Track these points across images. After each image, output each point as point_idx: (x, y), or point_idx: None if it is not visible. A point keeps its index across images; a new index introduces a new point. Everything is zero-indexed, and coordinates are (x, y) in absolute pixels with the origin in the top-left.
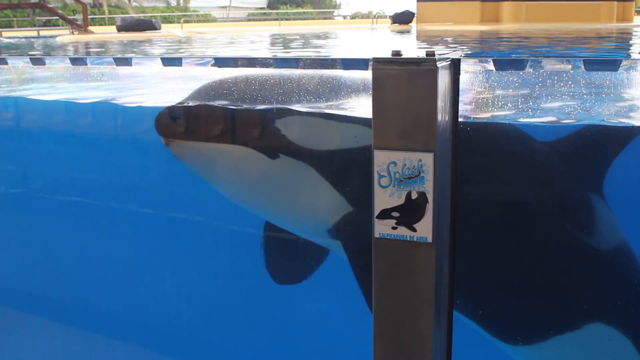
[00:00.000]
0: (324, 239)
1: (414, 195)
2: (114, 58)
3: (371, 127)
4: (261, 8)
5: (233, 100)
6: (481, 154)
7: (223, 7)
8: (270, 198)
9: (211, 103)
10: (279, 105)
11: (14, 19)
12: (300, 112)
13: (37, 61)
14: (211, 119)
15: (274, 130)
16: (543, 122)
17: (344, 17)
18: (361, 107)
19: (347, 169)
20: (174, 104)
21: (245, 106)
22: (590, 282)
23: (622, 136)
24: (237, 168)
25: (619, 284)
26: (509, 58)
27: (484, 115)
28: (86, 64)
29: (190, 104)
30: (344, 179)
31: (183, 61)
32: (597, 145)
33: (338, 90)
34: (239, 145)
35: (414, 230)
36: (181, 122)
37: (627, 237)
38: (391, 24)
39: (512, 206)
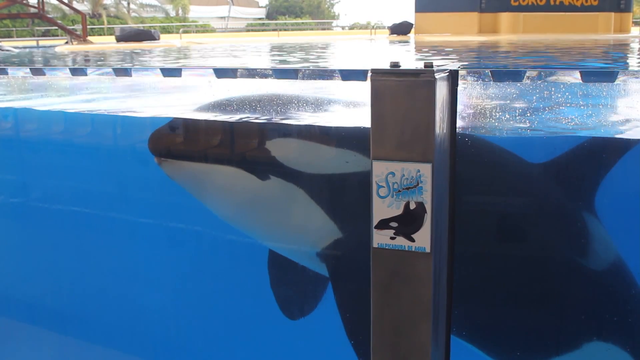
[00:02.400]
0: (312, 262)
1: (412, 206)
2: (113, 69)
3: (363, 154)
4: (260, 18)
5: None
6: (477, 165)
7: (222, 17)
8: (261, 220)
9: (203, 123)
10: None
11: (13, 29)
12: (292, 134)
13: (37, 71)
14: (204, 139)
15: (265, 152)
16: (537, 135)
17: (343, 27)
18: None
19: (337, 193)
20: (167, 123)
21: (238, 127)
22: (588, 300)
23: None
24: (227, 188)
25: (615, 299)
26: (506, 69)
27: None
28: (86, 74)
29: (182, 124)
30: (334, 202)
31: (183, 72)
32: (593, 156)
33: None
34: (230, 166)
35: (413, 240)
36: (174, 141)
37: (620, 252)
38: (389, 34)
39: (508, 220)
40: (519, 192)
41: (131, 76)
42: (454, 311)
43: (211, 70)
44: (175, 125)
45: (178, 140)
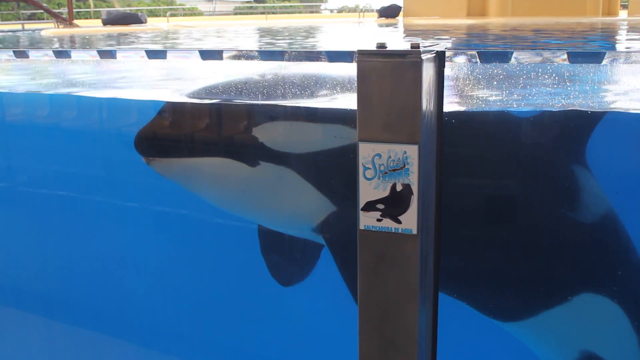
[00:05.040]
0: (311, 237)
1: (398, 187)
2: (97, 50)
3: (350, 125)
4: (247, 1)
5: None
6: (464, 143)
7: (209, 0)
8: (256, 204)
9: (188, 118)
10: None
11: None
12: (276, 117)
13: (20, 54)
14: (189, 134)
15: (252, 138)
16: (525, 111)
17: (331, 10)
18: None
19: (328, 169)
20: (149, 123)
21: (225, 114)
22: (577, 252)
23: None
24: (219, 179)
25: (604, 250)
26: (493, 50)
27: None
28: (70, 57)
29: (166, 121)
30: (325, 179)
31: (168, 53)
32: (574, 126)
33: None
34: (218, 157)
35: (399, 222)
36: (160, 140)
37: (612, 205)
38: (378, 17)
39: (497, 187)
40: (506, 170)
41: (116, 58)
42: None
43: (197, 52)
44: (159, 124)
45: (164, 139)
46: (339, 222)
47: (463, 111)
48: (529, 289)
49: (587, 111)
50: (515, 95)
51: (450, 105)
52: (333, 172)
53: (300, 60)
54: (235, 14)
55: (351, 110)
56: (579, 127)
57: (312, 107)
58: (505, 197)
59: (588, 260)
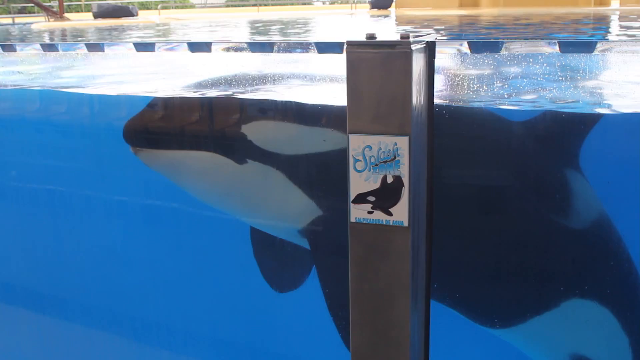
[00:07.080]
0: (297, 240)
1: (389, 179)
2: (85, 44)
3: (340, 130)
4: None
5: None
6: (455, 136)
7: None
8: (241, 201)
9: (177, 111)
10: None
11: None
12: (266, 117)
13: (7, 48)
14: (178, 127)
15: (240, 136)
16: (517, 106)
17: (323, 2)
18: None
19: (316, 172)
20: (139, 113)
21: (215, 109)
22: (568, 258)
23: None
24: (205, 174)
25: (596, 255)
26: (484, 40)
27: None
28: (58, 50)
29: (155, 113)
30: (312, 181)
31: (156, 46)
32: (570, 124)
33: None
34: (206, 152)
35: (390, 214)
36: (148, 131)
37: (605, 209)
38: (370, 9)
39: (487, 187)
40: (498, 163)
41: (104, 51)
42: (434, 282)
43: (185, 45)
44: (148, 115)
45: (152, 130)
46: (323, 227)
47: (454, 106)
48: (522, 289)
49: (581, 112)
50: (506, 87)
51: (441, 98)
52: (320, 175)
53: (290, 51)
54: (227, 6)
55: (341, 112)
56: (573, 128)
57: (302, 103)
58: (493, 202)
59: (580, 265)
